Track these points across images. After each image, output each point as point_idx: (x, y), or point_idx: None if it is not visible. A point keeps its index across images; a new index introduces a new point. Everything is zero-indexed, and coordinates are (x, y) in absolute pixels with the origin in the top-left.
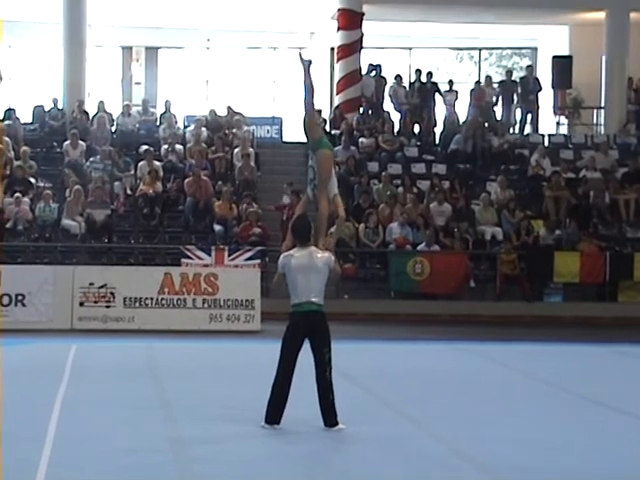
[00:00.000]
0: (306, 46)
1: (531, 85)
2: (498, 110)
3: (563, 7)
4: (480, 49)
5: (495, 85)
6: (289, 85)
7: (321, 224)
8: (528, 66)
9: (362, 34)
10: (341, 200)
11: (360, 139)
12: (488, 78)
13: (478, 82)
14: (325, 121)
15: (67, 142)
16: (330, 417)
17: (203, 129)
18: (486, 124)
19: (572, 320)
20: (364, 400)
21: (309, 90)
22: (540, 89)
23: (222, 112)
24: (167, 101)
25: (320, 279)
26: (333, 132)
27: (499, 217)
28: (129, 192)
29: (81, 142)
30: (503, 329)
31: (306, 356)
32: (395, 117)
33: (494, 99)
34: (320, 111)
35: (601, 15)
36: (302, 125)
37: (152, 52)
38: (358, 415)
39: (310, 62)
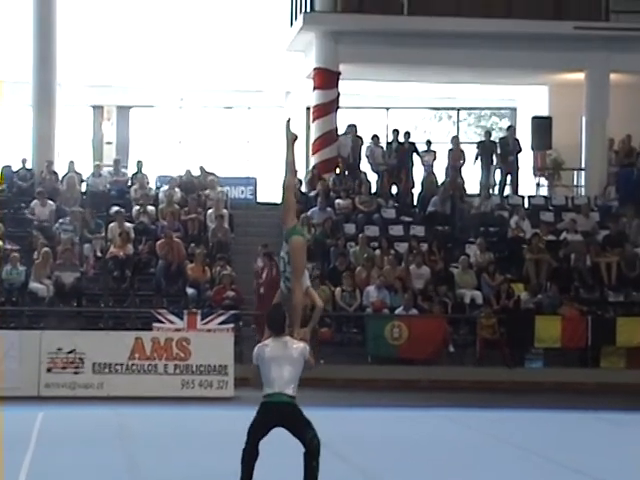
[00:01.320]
0: (282, 105)
1: (510, 146)
2: (477, 171)
3: (542, 67)
4: (459, 109)
5: (474, 145)
6: (264, 145)
7: (296, 315)
8: (508, 127)
9: (338, 93)
10: (315, 293)
11: (337, 200)
12: (455, 138)
13: (456, 137)
14: (301, 182)
15: (35, 202)
16: None
17: (176, 190)
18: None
19: (553, 386)
20: (340, 468)
21: (290, 169)
22: (520, 150)
23: (196, 172)
24: (139, 161)
25: (294, 370)
26: (310, 193)
27: (479, 280)
28: (99, 254)
29: (50, 202)
30: (483, 395)
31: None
32: (372, 178)
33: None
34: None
35: (581, 76)
36: (281, 210)
37: (124, 111)
38: None
39: (296, 137)
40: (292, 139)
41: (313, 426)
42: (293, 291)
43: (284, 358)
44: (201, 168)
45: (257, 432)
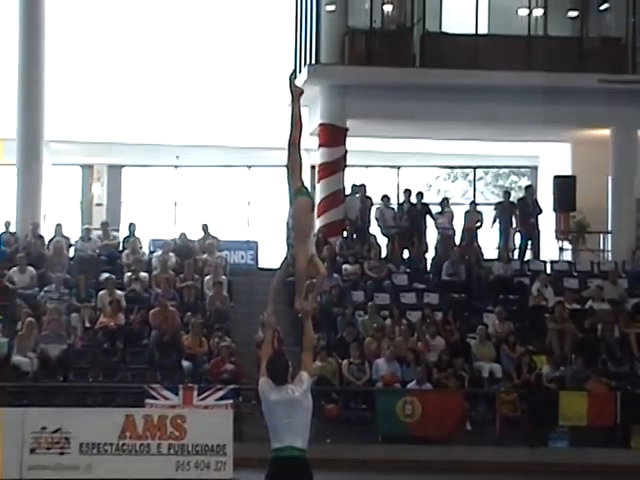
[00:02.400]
0: (284, 164)
1: (531, 207)
2: (495, 234)
3: (565, 123)
4: (475, 167)
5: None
6: (265, 206)
7: (299, 282)
8: (527, 186)
9: (345, 151)
10: (320, 261)
11: (344, 266)
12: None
13: (473, 202)
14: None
15: (14, 269)
16: None
17: (171, 254)
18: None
19: (580, 468)
20: None
21: (295, 125)
22: (540, 211)
23: (193, 235)
24: (131, 224)
25: (304, 416)
26: None
27: (498, 352)
28: (87, 325)
29: (30, 268)
30: (503, 477)
31: None
32: (382, 242)
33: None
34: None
35: (606, 132)
36: (286, 171)
37: (115, 171)
38: None
39: (302, 91)
40: (297, 93)
41: None
42: (296, 256)
43: (291, 403)
44: (204, 227)
45: None
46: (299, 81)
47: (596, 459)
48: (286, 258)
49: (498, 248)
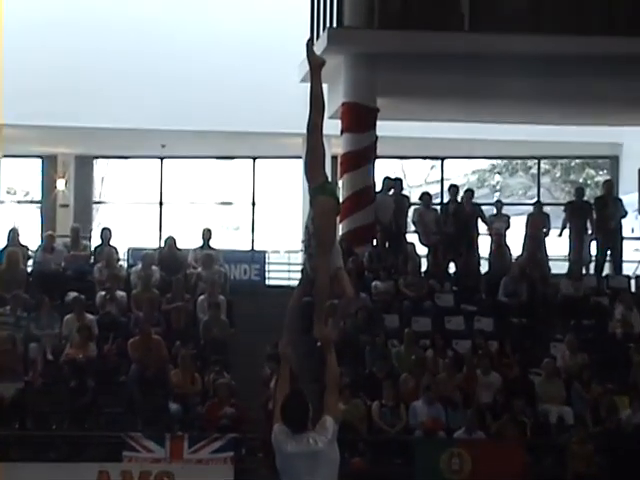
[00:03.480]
0: (298, 154)
1: (611, 208)
2: (565, 243)
3: None
4: (539, 158)
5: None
6: (274, 208)
7: (320, 303)
8: (607, 182)
9: (376, 137)
10: (348, 277)
11: (374, 283)
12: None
13: (538, 202)
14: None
15: None
16: None
17: (155, 268)
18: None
19: None
20: None
21: (316, 105)
22: (625, 214)
23: (183, 244)
24: (104, 229)
25: (329, 471)
26: None
27: (568, 392)
28: (50, 357)
29: None
30: None
31: None
32: (422, 252)
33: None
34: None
35: None
36: (304, 162)
37: (85, 163)
38: None
39: (323, 62)
40: (318, 64)
41: None
42: (316, 270)
43: (313, 456)
44: (205, 233)
45: None
46: (318, 49)
47: None
48: (304, 272)
49: (569, 260)
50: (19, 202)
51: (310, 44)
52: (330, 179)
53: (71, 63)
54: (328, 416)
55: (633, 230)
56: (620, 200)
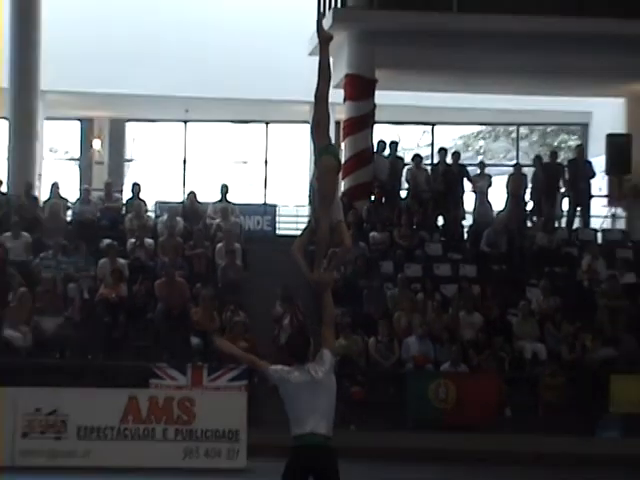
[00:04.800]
0: (306, 119)
1: (581, 169)
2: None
3: (620, 76)
4: (518, 125)
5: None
6: (284, 167)
7: (320, 251)
8: (578, 146)
9: (374, 105)
10: (347, 229)
11: (371, 233)
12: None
13: (517, 164)
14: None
15: (7, 233)
16: None
17: (179, 219)
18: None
19: (633, 459)
20: None
21: (323, 75)
22: (592, 175)
23: (203, 198)
24: (135, 185)
25: (328, 400)
26: None
27: (542, 331)
28: (86, 296)
29: (24, 234)
30: (547, 470)
31: None
32: (414, 207)
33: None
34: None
35: None
36: (310, 126)
37: (118, 125)
38: None
39: (331, 36)
40: (326, 39)
41: None
42: (318, 221)
43: (313, 385)
44: (223, 188)
45: None
46: (324, 26)
47: None
48: (309, 223)
49: (544, 215)
50: (60, 160)
51: (320, 21)
52: (333, 142)
53: (106, 35)
54: (325, 349)
55: (600, 189)
56: (589, 162)
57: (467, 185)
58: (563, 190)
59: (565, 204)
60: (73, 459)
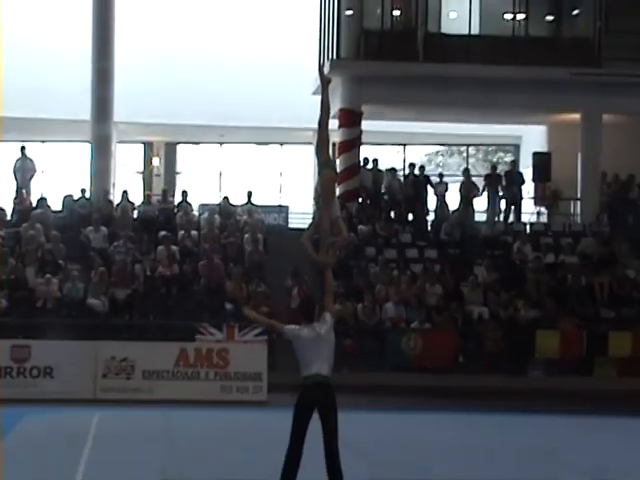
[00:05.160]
0: (310, 142)
1: (514, 178)
2: (484, 201)
3: (542, 109)
4: (468, 145)
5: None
6: (294, 177)
7: (322, 239)
8: (512, 161)
9: (361, 131)
10: (343, 224)
11: (359, 226)
12: (466, 171)
13: (467, 174)
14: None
15: (89, 228)
16: None
17: (216, 216)
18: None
19: (553, 392)
20: (363, 468)
21: (324, 108)
22: (522, 182)
23: (234, 200)
24: (184, 191)
25: (328, 350)
26: None
27: (485, 297)
28: (148, 273)
29: (103, 228)
30: (489, 401)
31: (314, 424)
32: (391, 207)
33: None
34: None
35: (577, 116)
36: (315, 146)
37: (171, 147)
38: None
39: (330, 80)
40: (326, 81)
41: (337, 416)
42: (321, 218)
43: (317, 339)
44: (249, 194)
45: (301, 417)
46: (325, 72)
47: (566, 385)
48: (314, 219)
49: (486, 212)
50: (129, 173)
51: (322, 69)
52: (332, 158)
53: (161, 80)
54: (327, 313)
55: (528, 192)
56: (520, 173)
57: (430, 190)
58: (501, 193)
59: (502, 204)
60: (139, 394)
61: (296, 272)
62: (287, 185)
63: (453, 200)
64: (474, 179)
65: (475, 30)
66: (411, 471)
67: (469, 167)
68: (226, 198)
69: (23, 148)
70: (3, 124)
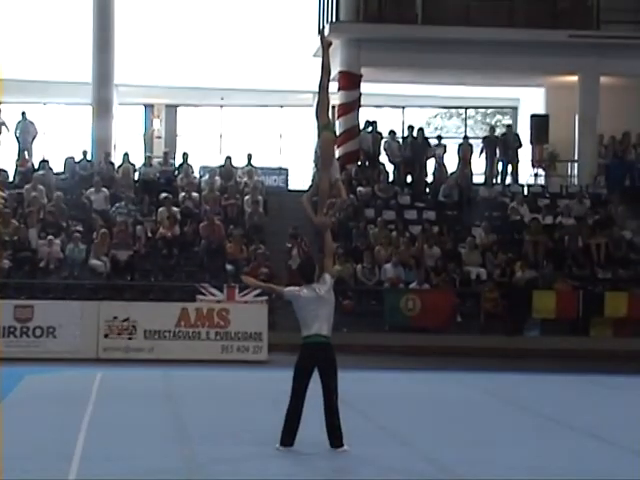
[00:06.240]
0: (310, 104)
1: (512, 141)
2: (482, 163)
3: (540, 71)
4: (466, 108)
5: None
6: (294, 139)
7: (321, 200)
8: (508, 125)
9: (360, 94)
10: (342, 185)
11: (358, 188)
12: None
13: (465, 137)
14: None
15: (91, 189)
16: (336, 439)
17: (217, 178)
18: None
19: (549, 352)
20: (361, 423)
21: (325, 70)
22: (520, 144)
23: (236, 161)
24: (185, 153)
25: (328, 310)
26: None
27: (483, 259)
28: (149, 235)
29: (104, 189)
30: (486, 360)
31: (314, 383)
32: (390, 168)
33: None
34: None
35: (574, 78)
36: (315, 109)
37: (171, 109)
38: (356, 437)
39: (330, 42)
40: (327, 44)
41: (337, 375)
42: (320, 179)
43: (318, 299)
44: (249, 156)
45: (302, 376)
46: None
47: (562, 345)
48: (313, 181)
49: (484, 174)
50: (129, 135)
51: (322, 31)
52: (331, 121)
53: (162, 41)
54: (326, 274)
55: (526, 154)
56: (518, 135)
57: (429, 152)
58: (498, 156)
59: (500, 166)
60: (141, 353)
61: (295, 233)
62: (287, 147)
63: (452, 162)
64: (472, 141)
65: None
66: (408, 427)
67: (467, 130)
68: (229, 158)
69: (24, 113)
70: (4, 86)
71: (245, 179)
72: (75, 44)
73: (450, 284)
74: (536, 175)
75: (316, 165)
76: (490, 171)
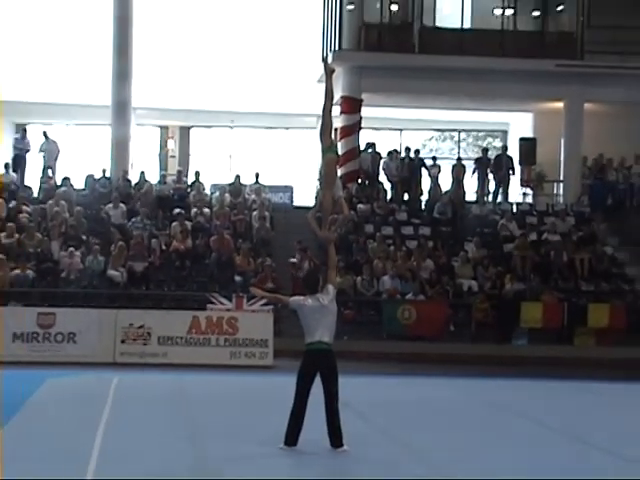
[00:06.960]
0: (314, 127)
1: (502, 162)
2: (474, 182)
3: (529, 97)
4: (459, 131)
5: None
6: (299, 159)
7: (325, 217)
8: (503, 146)
9: (361, 117)
10: (345, 203)
11: (358, 205)
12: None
13: (459, 158)
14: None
15: (109, 205)
16: (337, 439)
17: (227, 195)
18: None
19: (536, 360)
20: (361, 427)
21: (328, 95)
22: (512, 166)
23: (244, 180)
24: (197, 172)
25: (331, 319)
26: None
27: (475, 272)
28: (164, 248)
29: (122, 205)
30: (477, 367)
31: (316, 387)
32: (388, 187)
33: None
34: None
35: (560, 105)
36: (319, 131)
37: (185, 131)
38: (356, 438)
39: (334, 70)
40: (330, 71)
41: (338, 380)
42: (324, 197)
43: (321, 309)
44: (257, 175)
45: (304, 380)
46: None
47: (548, 353)
48: (317, 198)
49: (476, 193)
50: (146, 154)
51: (326, 59)
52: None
53: (177, 67)
54: (330, 285)
55: (515, 175)
56: (510, 157)
57: (424, 172)
58: (490, 176)
59: (492, 185)
60: (155, 358)
61: (303, 247)
62: (292, 167)
63: (446, 181)
64: (465, 162)
65: (467, 24)
66: (406, 430)
67: (460, 151)
68: (238, 176)
69: (45, 132)
70: (30, 110)
71: (253, 196)
72: (96, 71)
73: (444, 295)
74: (524, 194)
75: (320, 184)
76: (481, 190)
